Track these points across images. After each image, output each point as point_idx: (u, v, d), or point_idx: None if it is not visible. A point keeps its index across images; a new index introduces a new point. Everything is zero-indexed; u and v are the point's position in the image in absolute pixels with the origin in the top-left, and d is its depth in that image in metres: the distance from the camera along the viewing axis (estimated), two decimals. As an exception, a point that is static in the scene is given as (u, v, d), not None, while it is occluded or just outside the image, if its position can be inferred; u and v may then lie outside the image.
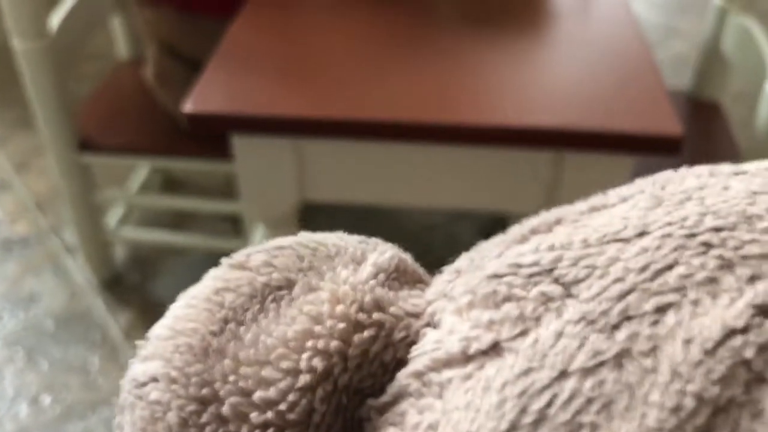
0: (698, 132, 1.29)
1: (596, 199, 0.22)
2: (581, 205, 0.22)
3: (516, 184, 0.83)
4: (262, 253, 0.25)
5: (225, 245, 1.34)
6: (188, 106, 0.77)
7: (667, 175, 0.22)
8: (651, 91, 0.80)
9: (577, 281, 0.19)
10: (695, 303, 0.17)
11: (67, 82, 1.18)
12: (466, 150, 0.79)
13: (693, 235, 0.18)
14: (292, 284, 0.23)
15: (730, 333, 0.16)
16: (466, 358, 0.19)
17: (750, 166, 0.21)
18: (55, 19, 1.13)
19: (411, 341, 0.22)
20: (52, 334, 1.32)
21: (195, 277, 0.25)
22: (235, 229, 1.56)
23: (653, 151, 0.75)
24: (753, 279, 0.17)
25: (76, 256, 1.51)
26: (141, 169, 1.51)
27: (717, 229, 0.18)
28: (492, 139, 0.76)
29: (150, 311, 1.36)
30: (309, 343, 0.21)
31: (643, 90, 0.80)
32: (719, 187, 0.20)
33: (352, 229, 0.28)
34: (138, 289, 1.41)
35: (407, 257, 0.26)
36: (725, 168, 0.21)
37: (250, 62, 0.84)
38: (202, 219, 1.57)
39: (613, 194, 0.22)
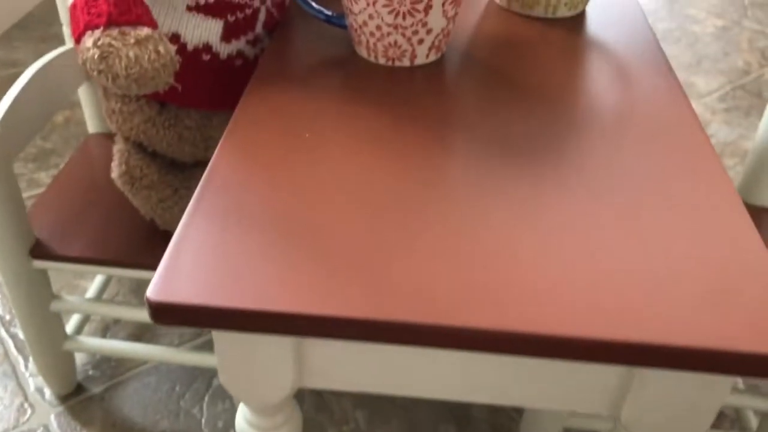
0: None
1: None
2: None
3: (560, 388, 0.65)
4: None
5: (198, 359, 1.14)
6: (152, 292, 0.59)
7: None
8: (754, 276, 0.63)
9: None
10: None
11: (16, 180, 0.98)
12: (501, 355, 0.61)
13: None
14: None
15: None
16: None
17: None
18: None
19: None
20: (-8, 467, 1.12)
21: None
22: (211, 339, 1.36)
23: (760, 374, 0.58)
24: None
25: (29, 358, 1.30)
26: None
27: None
28: (538, 352, 0.58)
29: (112, 435, 1.16)
30: None
31: (745, 278, 0.62)
32: None
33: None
34: (100, 402, 1.21)
35: None
36: None
37: (235, 224, 0.65)
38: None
39: None
